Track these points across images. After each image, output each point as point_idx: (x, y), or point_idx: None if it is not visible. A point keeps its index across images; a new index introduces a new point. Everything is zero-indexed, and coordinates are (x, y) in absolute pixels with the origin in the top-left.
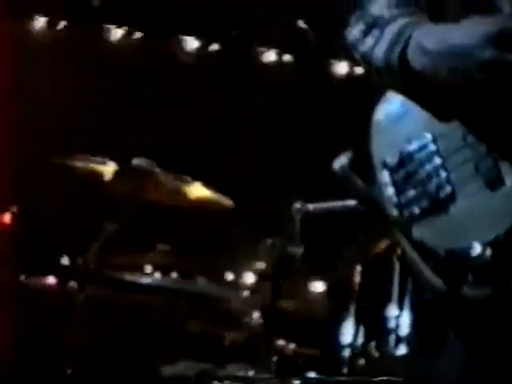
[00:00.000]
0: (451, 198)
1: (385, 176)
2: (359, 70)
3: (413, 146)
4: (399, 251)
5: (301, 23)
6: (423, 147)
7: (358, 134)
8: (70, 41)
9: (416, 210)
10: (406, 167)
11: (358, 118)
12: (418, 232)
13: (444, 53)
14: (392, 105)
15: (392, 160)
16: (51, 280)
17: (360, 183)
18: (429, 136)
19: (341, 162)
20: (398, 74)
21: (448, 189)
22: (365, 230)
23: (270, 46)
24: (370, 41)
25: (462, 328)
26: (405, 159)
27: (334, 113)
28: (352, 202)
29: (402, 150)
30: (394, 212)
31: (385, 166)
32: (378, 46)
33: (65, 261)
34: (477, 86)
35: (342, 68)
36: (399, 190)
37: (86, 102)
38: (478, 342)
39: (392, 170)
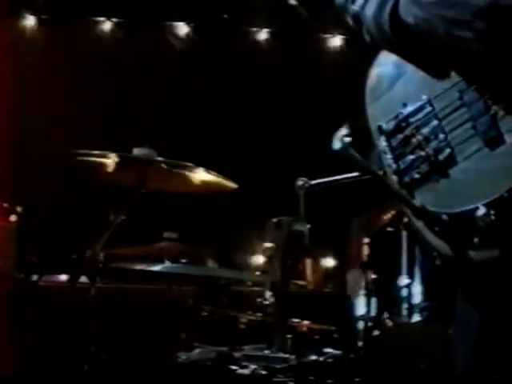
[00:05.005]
0: (451, 160)
1: (382, 142)
2: (352, 43)
3: (408, 109)
4: (405, 220)
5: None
6: (419, 109)
7: (355, 106)
8: (61, 36)
9: (416, 176)
10: (402, 132)
11: (355, 89)
12: (419, 198)
13: (439, 3)
14: (384, 68)
15: (388, 125)
16: (62, 277)
17: (356, 155)
18: (424, 97)
19: (339, 135)
20: (388, 30)
21: (447, 151)
22: (370, 201)
23: (261, 26)
24: (360, 0)
25: (473, 292)
26: (401, 124)
27: (330, 87)
28: (354, 174)
29: (397, 115)
30: (394, 178)
31: (381, 132)
32: (368, 4)
33: (74, 257)
34: (476, 35)
35: (335, 42)
36: (397, 155)
37: (84, 97)
38: (490, 305)
39: (389, 136)
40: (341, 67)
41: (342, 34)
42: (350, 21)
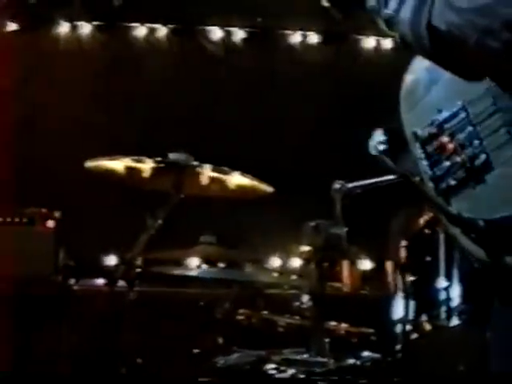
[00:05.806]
0: (487, 166)
1: (417, 149)
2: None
3: (443, 116)
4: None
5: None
6: (454, 116)
7: (391, 110)
8: (93, 43)
9: (452, 182)
10: (438, 138)
11: (390, 93)
12: (455, 205)
13: (471, 10)
14: (418, 74)
15: (423, 132)
16: (100, 281)
17: (389, 161)
18: (459, 103)
19: (374, 139)
20: (427, 37)
21: (483, 157)
22: (407, 203)
23: (295, 28)
24: (393, 3)
25: (509, 296)
26: (436, 130)
27: (366, 90)
28: (391, 177)
29: (432, 121)
30: (430, 185)
31: (416, 138)
32: (403, 8)
33: (112, 261)
34: (503, 46)
35: (369, 43)
36: (433, 162)
37: (118, 103)
38: None
39: (424, 143)
40: (376, 69)
41: (376, 36)
42: (382, 24)
